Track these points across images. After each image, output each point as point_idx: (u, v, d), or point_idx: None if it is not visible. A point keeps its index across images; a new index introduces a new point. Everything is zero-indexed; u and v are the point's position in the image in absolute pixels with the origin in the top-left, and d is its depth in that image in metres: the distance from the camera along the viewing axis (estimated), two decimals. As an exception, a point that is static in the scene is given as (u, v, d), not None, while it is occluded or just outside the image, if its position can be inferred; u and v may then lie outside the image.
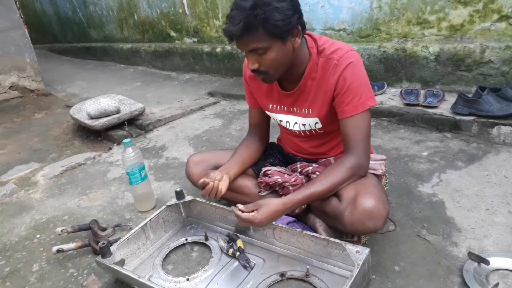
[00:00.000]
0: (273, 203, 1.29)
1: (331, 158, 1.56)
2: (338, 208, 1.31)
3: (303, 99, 1.46)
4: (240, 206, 1.32)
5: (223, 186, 1.47)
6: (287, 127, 1.57)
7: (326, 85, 1.37)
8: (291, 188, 1.51)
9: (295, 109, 1.50)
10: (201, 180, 1.45)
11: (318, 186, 1.32)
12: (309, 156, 1.63)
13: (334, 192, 1.35)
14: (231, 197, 1.65)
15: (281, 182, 1.51)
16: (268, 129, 1.75)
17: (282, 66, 1.32)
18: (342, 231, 1.40)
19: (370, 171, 1.46)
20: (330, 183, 1.32)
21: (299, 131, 1.55)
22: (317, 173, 1.50)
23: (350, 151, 1.36)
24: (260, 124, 1.72)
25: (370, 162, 1.50)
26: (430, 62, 2.62)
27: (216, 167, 1.65)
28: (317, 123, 1.47)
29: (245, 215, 1.29)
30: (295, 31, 1.27)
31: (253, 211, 1.28)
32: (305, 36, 1.39)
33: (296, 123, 1.52)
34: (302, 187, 1.40)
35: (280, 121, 1.58)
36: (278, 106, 1.55)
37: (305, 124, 1.50)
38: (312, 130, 1.51)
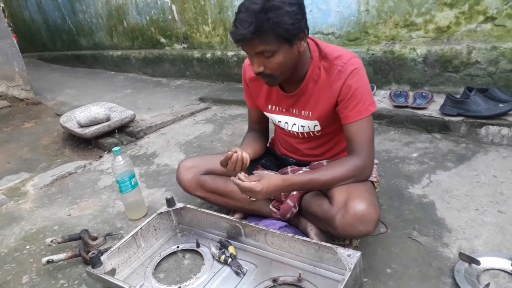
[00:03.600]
0: (274, 177, 1.34)
1: (324, 161, 1.57)
2: (330, 211, 1.31)
3: (303, 102, 1.47)
4: (241, 175, 1.32)
5: (247, 156, 1.43)
6: (286, 128, 1.56)
7: (330, 90, 1.38)
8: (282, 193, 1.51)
9: (294, 111, 1.51)
10: (224, 156, 1.41)
11: (319, 175, 1.34)
12: (303, 158, 1.64)
13: (330, 187, 1.35)
14: (222, 202, 1.65)
15: None
16: (268, 126, 1.76)
17: (288, 69, 1.33)
18: (334, 235, 1.40)
19: None
20: (330, 175, 1.33)
21: (297, 133, 1.54)
22: None
23: (355, 154, 1.36)
24: (261, 121, 1.73)
25: None
26: (418, 64, 2.64)
27: (207, 172, 1.65)
28: (316, 125, 1.48)
29: (246, 183, 1.30)
30: (302, 35, 1.29)
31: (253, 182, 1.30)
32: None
33: (294, 124, 1.53)
34: (303, 172, 1.38)
35: (279, 122, 1.58)
36: (277, 107, 1.55)
37: (304, 126, 1.51)
38: (310, 133, 1.52)
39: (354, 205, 1.25)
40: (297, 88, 1.45)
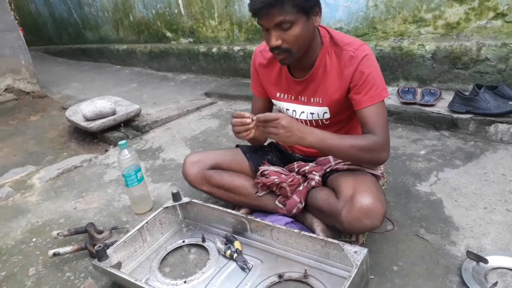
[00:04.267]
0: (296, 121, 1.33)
1: (330, 157, 1.56)
2: (336, 206, 1.31)
3: (313, 88, 1.46)
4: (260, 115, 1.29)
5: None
6: (293, 116, 1.55)
7: (341, 76, 1.38)
8: (288, 188, 1.50)
9: (303, 98, 1.50)
10: (240, 117, 1.36)
11: (338, 139, 1.32)
12: (309, 151, 1.62)
13: (346, 155, 1.35)
14: (228, 197, 1.65)
15: (278, 182, 1.51)
16: None
17: (304, 44, 1.32)
18: (340, 230, 1.39)
19: (369, 171, 1.46)
20: (350, 143, 1.31)
21: (305, 120, 1.52)
22: (314, 172, 1.50)
23: (373, 134, 1.34)
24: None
25: None
26: (426, 61, 2.62)
27: (213, 167, 1.65)
28: (326, 113, 1.47)
29: (271, 113, 1.28)
30: (317, 9, 1.30)
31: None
32: None
33: (303, 112, 1.51)
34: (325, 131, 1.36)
35: (287, 110, 1.56)
36: (286, 95, 1.54)
37: (313, 113, 1.49)
38: (319, 121, 1.50)
39: (360, 199, 1.24)
40: (306, 74, 1.44)
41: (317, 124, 1.52)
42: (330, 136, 1.32)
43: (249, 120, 1.32)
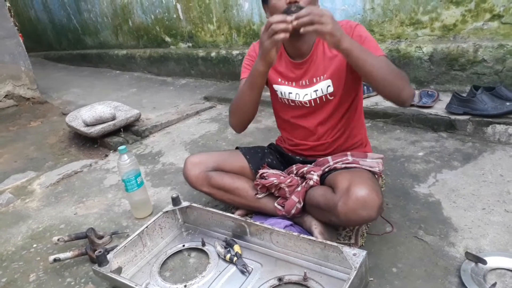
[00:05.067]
0: None
1: (329, 157, 1.57)
2: (333, 199, 1.32)
3: (314, 68, 1.49)
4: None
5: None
6: (297, 99, 1.55)
7: None
8: (286, 189, 1.52)
9: (305, 82, 1.52)
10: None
11: (375, 58, 1.29)
12: (309, 153, 1.64)
13: (378, 74, 1.28)
14: (228, 198, 1.66)
15: (277, 183, 1.52)
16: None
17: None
18: (337, 224, 1.40)
19: (367, 168, 1.48)
20: (385, 64, 1.31)
21: (309, 101, 1.53)
22: (312, 172, 1.52)
23: None
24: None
25: (367, 160, 1.53)
26: (424, 62, 2.63)
27: (214, 169, 1.65)
28: (329, 86, 1.48)
29: (317, 8, 1.25)
30: None
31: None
32: None
33: (306, 94, 1.53)
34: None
35: (290, 93, 1.56)
36: (287, 81, 1.56)
37: (317, 90, 1.50)
38: (323, 97, 1.51)
39: (355, 190, 1.25)
40: (306, 56, 1.49)
41: (321, 102, 1.53)
42: (367, 51, 1.28)
43: (290, 18, 1.21)
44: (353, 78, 1.48)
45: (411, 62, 2.68)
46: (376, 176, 1.51)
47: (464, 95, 2.23)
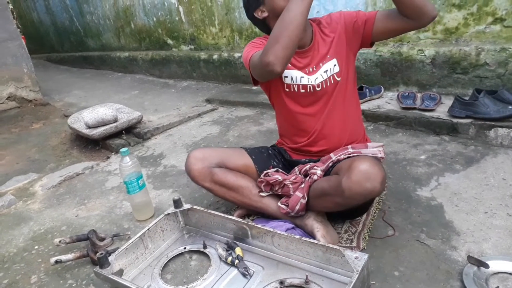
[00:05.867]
0: None
1: (331, 154, 1.57)
2: (337, 179, 1.35)
3: (319, 53, 1.56)
4: None
5: None
6: (308, 82, 1.57)
7: (336, 31, 1.54)
8: (291, 186, 1.53)
9: (312, 68, 1.56)
10: None
11: None
12: (316, 148, 1.65)
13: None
14: (230, 196, 1.66)
15: (281, 180, 1.53)
16: None
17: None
18: (343, 206, 1.41)
19: (370, 155, 1.50)
20: None
21: (320, 83, 1.56)
22: (316, 167, 1.53)
23: None
24: None
25: (369, 149, 1.56)
26: (426, 66, 2.63)
27: (218, 165, 1.64)
28: (335, 65, 1.56)
29: None
30: None
31: None
32: None
33: (317, 78, 1.56)
34: None
35: (302, 77, 1.57)
36: (295, 68, 1.58)
37: (326, 71, 1.55)
38: (331, 78, 1.55)
39: (358, 164, 1.28)
40: (309, 44, 1.55)
41: (330, 83, 1.57)
42: None
43: None
44: (352, 54, 1.59)
45: (413, 65, 2.68)
46: (379, 160, 1.52)
47: (467, 98, 2.22)
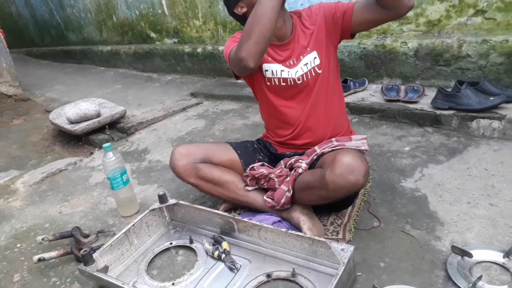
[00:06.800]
0: None
1: (316, 147, 1.58)
2: (321, 173, 1.35)
3: (299, 46, 1.55)
4: None
5: None
6: (289, 76, 1.56)
7: (316, 23, 1.54)
8: (276, 180, 1.53)
9: (293, 61, 1.56)
10: None
11: None
12: (301, 141, 1.65)
13: None
14: (216, 191, 1.65)
15: (266, 174, 1.54)
16: None
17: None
18: (327, 199, 1.41)
19: (353, 147, 1.51)
20: None
21: (301, 76, 1.55)
22: (300, 160, 1.54)
23: None
24: None
25: (353, 141, 1.57)
26: (409, 58, 2.65)
27: (203, 161, 1.63)
28: (315, 58, 1.55)
29: None
30: None
31: None
32: None
33: (297, 71, 1.55)
34: None
35: (282, 71, 1.57)
36: (277, 62, 1.57)
37: (307, 64, 1.55)
38: (312, 71, 1.55)
39: (341, 157, 1.30)
40: (289, 37, 1.55)
41: (311, 76, 1.56)
42: None
43: None
44: (332, 46, 1.57)
45: (397, 57, 2.70)
46: (363, 153, 1.54)
47: (449, 90, 2.25)
